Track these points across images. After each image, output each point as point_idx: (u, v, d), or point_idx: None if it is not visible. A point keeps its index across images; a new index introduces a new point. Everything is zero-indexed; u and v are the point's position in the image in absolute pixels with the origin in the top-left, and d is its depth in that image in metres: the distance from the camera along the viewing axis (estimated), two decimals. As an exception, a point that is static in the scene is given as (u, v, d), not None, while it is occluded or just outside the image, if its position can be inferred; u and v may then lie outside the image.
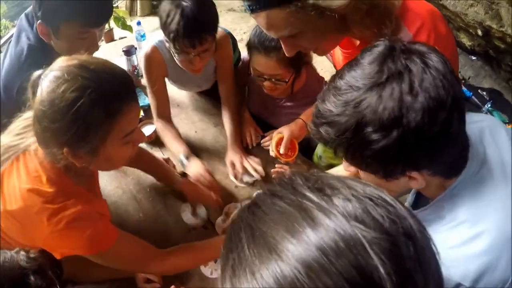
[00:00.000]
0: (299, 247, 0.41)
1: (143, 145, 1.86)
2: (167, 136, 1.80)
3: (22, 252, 0.82)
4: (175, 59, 1.65)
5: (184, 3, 1.47)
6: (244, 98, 2.04)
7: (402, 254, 0.42)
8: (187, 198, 1.59)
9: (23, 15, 1.60)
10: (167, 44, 1.62)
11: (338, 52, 1.29)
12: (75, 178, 1.10)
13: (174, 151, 1.76)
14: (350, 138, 0.74)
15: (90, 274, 1.32)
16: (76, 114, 0.94)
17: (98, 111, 0.96)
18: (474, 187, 0.82)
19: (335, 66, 1.57)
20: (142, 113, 2.02)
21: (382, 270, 0.39)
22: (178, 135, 1.82)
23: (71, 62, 0.98)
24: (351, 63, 0.78)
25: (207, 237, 1.49)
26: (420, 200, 1.01)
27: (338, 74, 0.79)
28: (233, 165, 1.74)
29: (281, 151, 1.60)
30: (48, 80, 0.97)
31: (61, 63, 0.99)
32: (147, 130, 1.90)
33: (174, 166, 1.74)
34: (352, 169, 0.87)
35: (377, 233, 0.42)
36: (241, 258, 0.45)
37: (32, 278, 0.79)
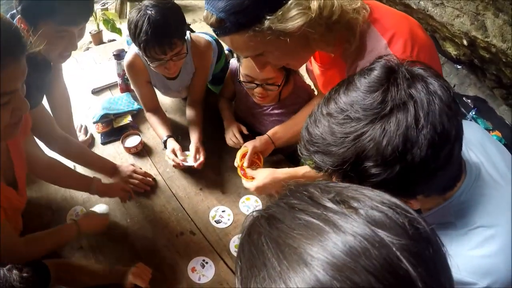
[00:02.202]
0: (331, 257, 0.43)
1: (126, 156, 1.88)
2: (153, 123, 1.95)
3: (15, 271, 0.80)
4: (150, 66, 1.69)
5: (149, 11, 1.51)
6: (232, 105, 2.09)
7: (426, 257, 0.45)
8: (101, 196, 1.65)
9: (8, 15, 1.59)
10: (141, 53, 1.65)
11: (316, 66, 1.30)
12: None
13: (158, 135, 1.93)
14: (348, 170, 0.71)
15: (76, 280, 1.31)
16: None
17: None
18: (478, 192, 0.82)
19: (315, 84, 1.58)
20: (130, 118, 2.02)
21: (413, 273, 0.42)
22: (163, 120, 1.94)
23: None
24: (346, 86, 0.74)
25: (193, 243, 1.51)
26: None
27: (331, 97, 0.76)
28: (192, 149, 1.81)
29: (245, 164, 1.62)
30: None
31: None
32: (133, 141, 1.91)
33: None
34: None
35: (404, 239, 0.44)
36: (272, 275, 0.45)
37: None
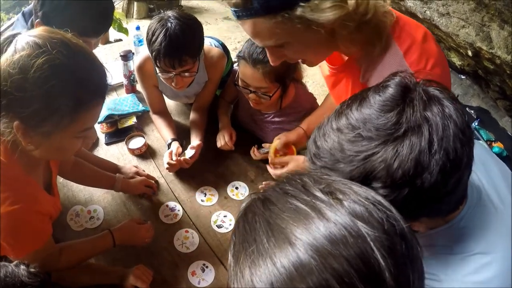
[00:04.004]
0: (313, 240, 0.48)
1: (129, 157, 1.89)
2: (159, 126, 1.97)
3: (23, 266, 0.80)
4: (159, 75, 1.70)
5: (170, 24, 1.52)
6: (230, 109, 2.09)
7: (397, 251, 0.49)
8: (125, 192, 1.68)
9: (20, 15, 1.60)
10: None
11: (325, 66, 1.27)
12: (27, 167, 1.04)
13: (163, 137, 1.94)
14: None
15: (77, 279, 1.32)
16: (47, 92, 0.87)
17: (70, 97, 0.91)
18: (478, 217, 0.81)
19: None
20: (135, 119, 2.03)
21: (383, 263, 0.46)
22: (168, 123, 1.95)
23: (54, 35, 0.92)
24: (359, 102, 0.73)
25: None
26: None
27: (343, 112, 0.74)
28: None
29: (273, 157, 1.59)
30: (26, 43, 0.88)
31: (42, 32, 0.92)
32: (137, 142, 1.91)
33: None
34: None
35: (379, 232, 0.48)
36: (261, 250, 0.50)
37: None
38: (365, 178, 0.67)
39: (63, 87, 0.89)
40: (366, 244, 0.47)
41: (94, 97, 0.98)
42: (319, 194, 0.53)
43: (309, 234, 0.48)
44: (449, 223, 0.81)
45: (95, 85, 0.97)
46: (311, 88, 1.91)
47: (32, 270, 0.80)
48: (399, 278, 0.47)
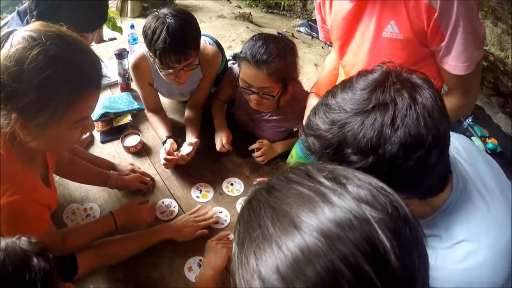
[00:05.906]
0: (319, 223, 0.48)
1: (125, 155, 1.89)
2: (154, 123, 1.97)
3: (23, 238, 0.81)
4: (160, 74, 1.70)
5: (169, 20, 1.54)
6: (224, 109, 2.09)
7: (401, 234, 0.50)
8: (119, 189, 1.69)
9: (15, 14, 1.60)
10: (151, 58, 1.67)
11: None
12: (25, 160, 1.06)
13: (158, 135, 1.94)
14: (332, 154, 0.79)
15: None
16: (42, 82, 0.90)
17: (65, 87, 0.94)
18: (464, 206, 0.86)
19: None
20: (130, 117, 2.03)
21: (388, 245, 0.47)
22: (163, 121, 1.95)
23: (49, 29, 0.95)
24: (345, 85, 0.82)
25: (190, 242, 1.51)
26: None
27: (332, 92, 0.83)
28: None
29: None
30: (21, 37, 0.91)
31: (38, 26, 0.95)
32: (133, 140, 1.91)
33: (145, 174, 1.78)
34: None
35: (383, 215, 0.49)
36: (266, 234, 0.50)
37: (35, 260, 0.77)
38: (339, 145, 0.77)
39: (58, 77, 0.92)
40: (371, 227, 0.48)
41: (90, 87, 1.00)
42: (323, 180, 0.54)
43: (315, 217, 0.49)
44: (436, 212, 0.87)
45: (90, 75, 0.99)
46: (305, 86, 1.92)
47: (33, 240, 0.81)
48: (405, 260, 0.48)
